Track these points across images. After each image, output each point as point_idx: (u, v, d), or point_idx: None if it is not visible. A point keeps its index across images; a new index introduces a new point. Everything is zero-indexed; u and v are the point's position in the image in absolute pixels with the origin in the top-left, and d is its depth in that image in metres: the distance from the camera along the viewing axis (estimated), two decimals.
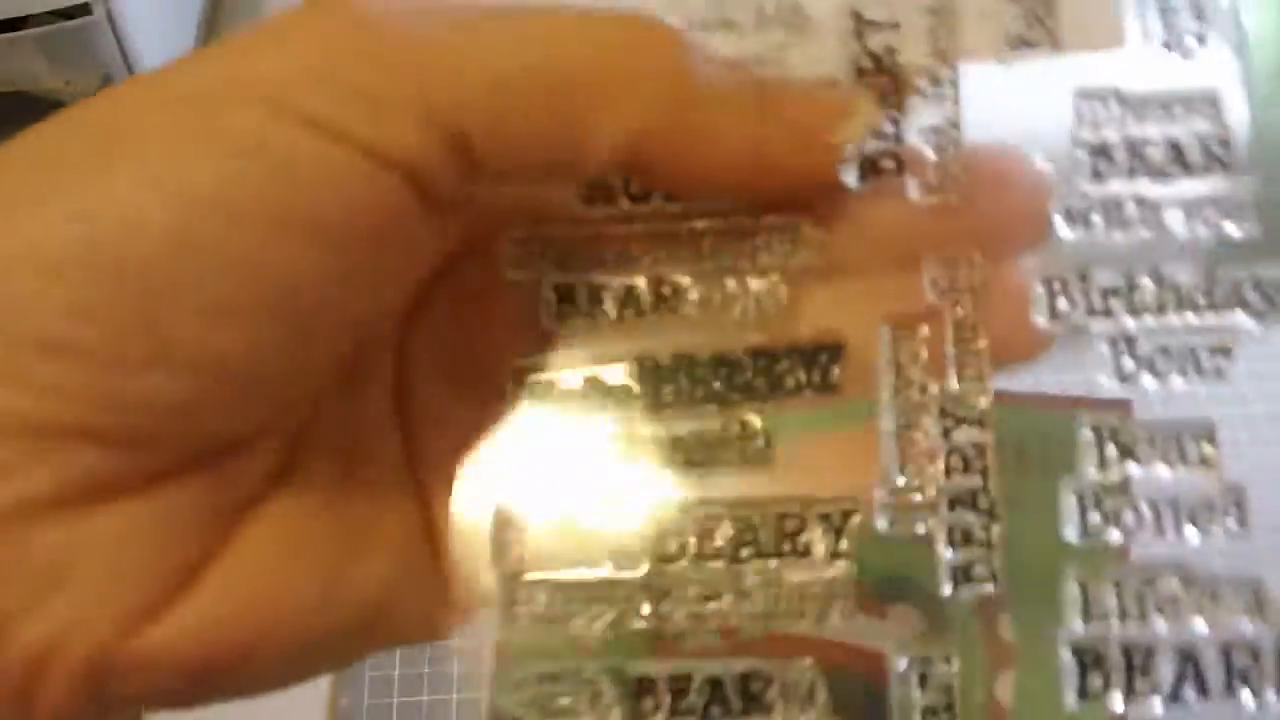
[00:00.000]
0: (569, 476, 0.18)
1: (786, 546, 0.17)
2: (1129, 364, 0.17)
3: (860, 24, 0.19)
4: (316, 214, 0.15)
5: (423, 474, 0.18)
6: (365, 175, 0.15)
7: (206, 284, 0.15)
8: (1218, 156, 0.18)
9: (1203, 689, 0.16)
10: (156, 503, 0.15)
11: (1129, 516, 0.16)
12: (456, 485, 0.18)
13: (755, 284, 0.18)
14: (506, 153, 0.16)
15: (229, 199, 0.15)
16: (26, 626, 0.14)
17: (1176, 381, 0.17)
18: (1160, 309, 0.17)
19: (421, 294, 0.18)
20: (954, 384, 0.17)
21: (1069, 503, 0.17)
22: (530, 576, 0.17)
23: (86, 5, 0.56)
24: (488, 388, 0.18)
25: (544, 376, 0.18)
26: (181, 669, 0.15)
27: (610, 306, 0.18)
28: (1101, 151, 0.18)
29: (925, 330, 0.18)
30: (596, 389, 0.18)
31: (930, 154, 0.18)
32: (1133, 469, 0.17)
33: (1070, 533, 0.17)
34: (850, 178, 0.18)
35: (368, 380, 0.18)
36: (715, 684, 0.17)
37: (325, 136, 0.15)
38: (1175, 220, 0.17)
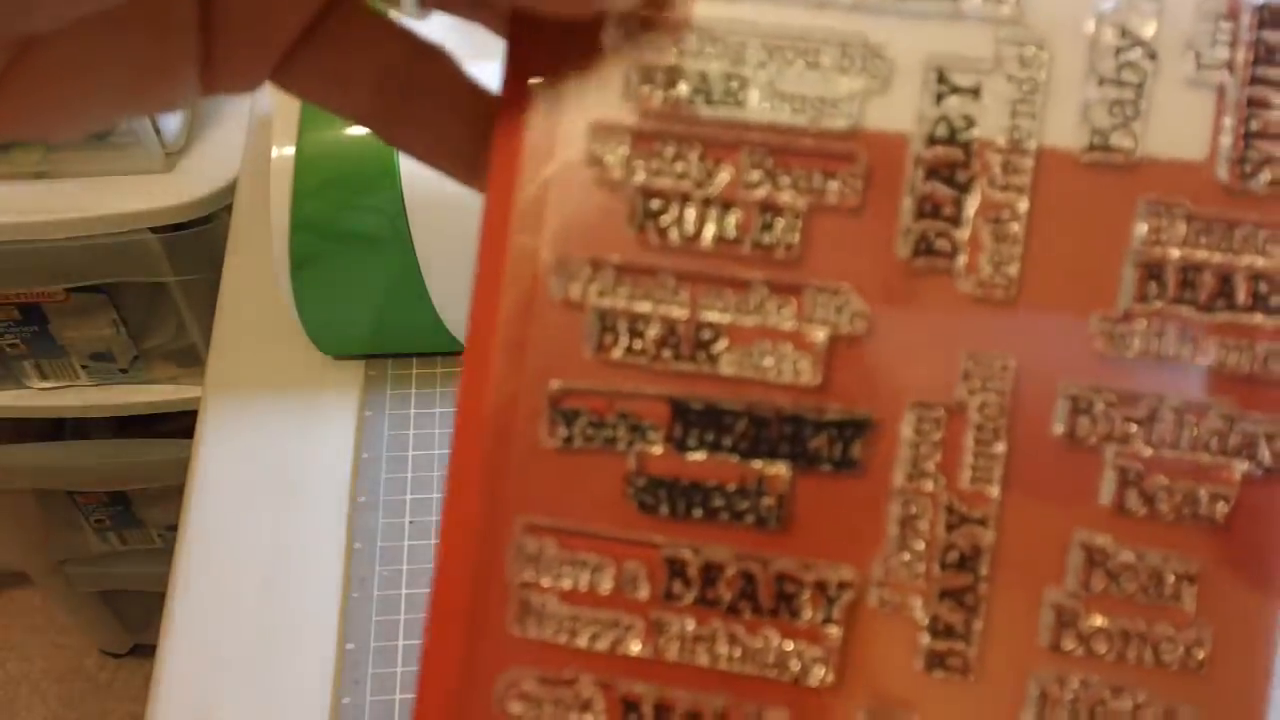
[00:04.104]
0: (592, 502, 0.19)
1: (782, 606, 0.18)
2: None
3: (943, 84, 0.19)
4: None
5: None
6: None
7: None
8: None
9: None
10: None
11: None
12: None
13: (794, 348, 0.19)
14: None
15: None
16: None
17: None
18: None
19: None
20: (966, 481, 0.18)
21: None
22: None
23: None
24: None
25: (578, 400, 0.19)
26: None
27: (650, 342, 0.19)
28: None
29: (948, 423, 0.18)
30: (626, 423, 0.19)
31: (988, 241, 0.18)
32: None
33: None
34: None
35: None
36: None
37: None
38: None
